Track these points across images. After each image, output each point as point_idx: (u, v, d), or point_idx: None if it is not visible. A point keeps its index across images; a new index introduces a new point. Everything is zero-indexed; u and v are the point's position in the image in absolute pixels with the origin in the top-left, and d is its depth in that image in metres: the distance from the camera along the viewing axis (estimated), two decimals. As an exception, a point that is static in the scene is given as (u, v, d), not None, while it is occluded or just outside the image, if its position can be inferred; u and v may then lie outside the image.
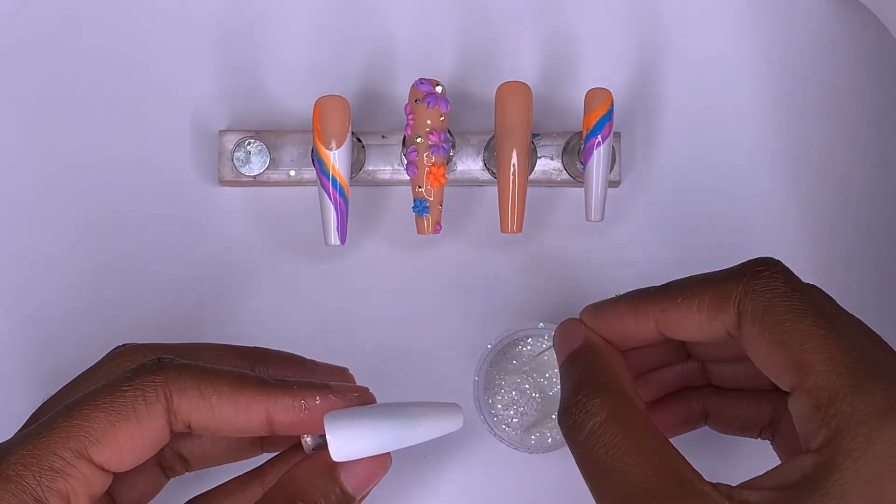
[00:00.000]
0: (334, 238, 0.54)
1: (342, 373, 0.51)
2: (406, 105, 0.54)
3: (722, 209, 0.59)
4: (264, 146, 0.57)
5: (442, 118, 0.53)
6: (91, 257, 0.58)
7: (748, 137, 0.59)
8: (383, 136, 0.57)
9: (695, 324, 0.46)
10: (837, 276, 0.58)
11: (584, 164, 0.54)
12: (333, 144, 0.53)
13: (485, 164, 0.57)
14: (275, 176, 0.57)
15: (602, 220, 0.54)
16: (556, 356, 0.48)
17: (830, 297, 0.45)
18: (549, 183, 0.58)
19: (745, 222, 0.59)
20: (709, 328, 0.46)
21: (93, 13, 0.59)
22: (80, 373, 0.50)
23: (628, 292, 0.48)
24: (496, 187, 0.54)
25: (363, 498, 0.46)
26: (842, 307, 0.45)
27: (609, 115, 0.53)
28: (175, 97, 0.59)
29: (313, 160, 0.55)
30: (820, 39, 0.60)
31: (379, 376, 0.52)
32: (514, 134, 0.53)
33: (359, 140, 0.57)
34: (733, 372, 0.51)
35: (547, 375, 0.54)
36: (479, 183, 0.58)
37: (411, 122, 0.54)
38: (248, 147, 0.57)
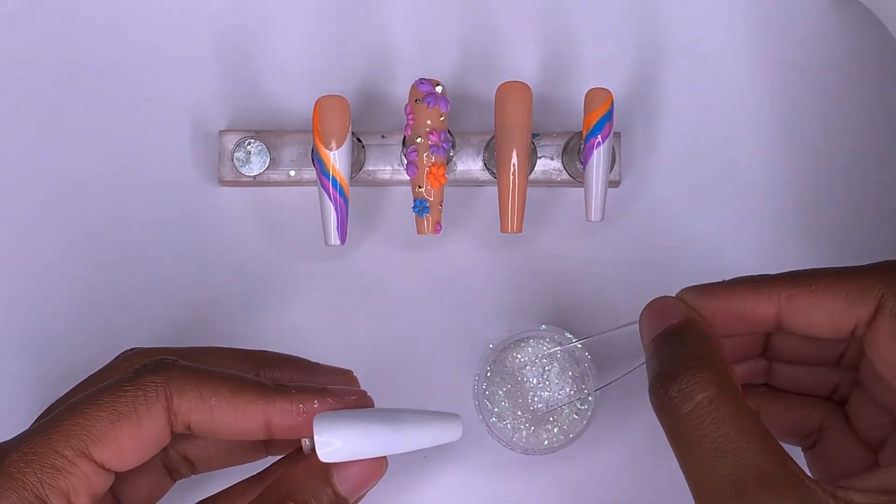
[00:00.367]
0: (334, 238, 0.54)
1: (346, 374, 0.51)
2: (406, 105, 0.54)
3: (722, 209, 0.59)
4: (264, 146, 0.57)
5: (442, 118, 0.53)
6: (91, 257, 0.58)
7: (748, 137, 0.59)
8: (383, 136, 0.57)
9: (824, 314, 0.46)
10: (837, 276, 0.58)
11: (584, 164, 0.54)
12: (333, 144, 0.53)
13: (485, 164, 0.57)
14: (275, 176, 0.57)
15: (602, 220, 0.54)
16: (642, 332, 0.47)
17: None
18: (549, 183, 0.58)
19: (745, 222, 0.59)
20: (838, 321, 0.45)
21: (93, 13, 0.59)
22: (87, 375, 0.50)
23: (740, 276, 0.48)
24: (496, 187, 0.54)
25: (357, 501, 0.46)
26: None
27: (609, 115, 0.53)
28: (175, 97, 0.59)
29: (313, 160, 0.55)
30: (820, 39, 0.60)
31: (378, 376, 0.52)
32: (514, 134, 0.53)
33: (359, 140, 0.57)
34: (798, 374, 0.51)
35: (547, 378, 0.54)
36: (479, 183, 0.58)
37: (411, 122, 0.54)
38: (248, 147, 0.57)
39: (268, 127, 0.58)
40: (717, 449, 0.42)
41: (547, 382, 0.54)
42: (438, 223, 0.54)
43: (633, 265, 0.58)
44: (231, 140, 0.57)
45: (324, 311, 0.58)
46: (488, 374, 0.54)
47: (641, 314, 0.48)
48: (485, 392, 0.54)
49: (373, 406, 0.47)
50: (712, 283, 0.48)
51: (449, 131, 0.55)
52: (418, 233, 0.54)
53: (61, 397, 0.49)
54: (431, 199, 0.54)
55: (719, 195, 0.59)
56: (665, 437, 0.54)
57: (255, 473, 0.49)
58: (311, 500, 0.44)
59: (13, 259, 0.58)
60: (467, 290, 0.58)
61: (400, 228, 0.58)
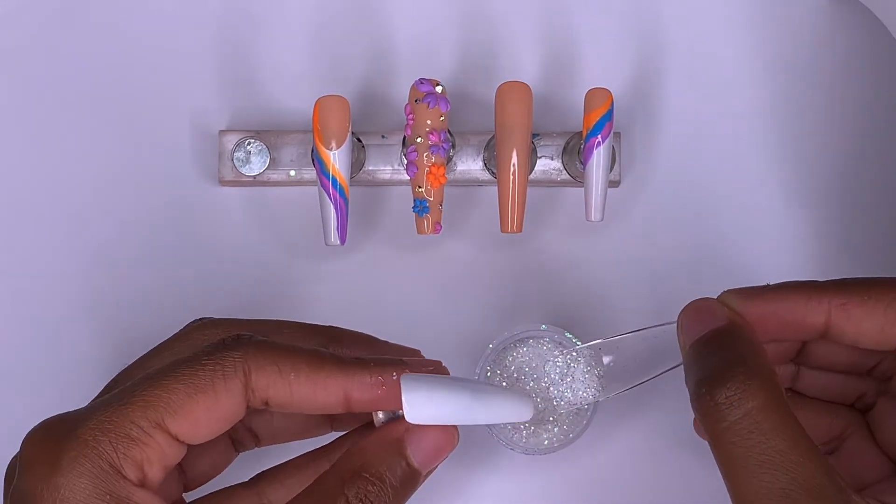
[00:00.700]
0: (334, 238, 0.54)
1: (414, 354, 0.50)
2: (406, 105, 0.54)
3: (722, 209, 0.59)
4: (264, 146, 0.57)
5: (442, 118, 0.53)
6: (91, 257, 0.58)
7: (748, 137, 0.59)
8: (383, 136, 0.57)
9: (875, 325, 0.45)
10: (838, 275, 0.58)
11: (584, 164, 0.54)
12: (333, 144, 0.53)
13: (485, 164, 0.57)
14: (275, 176, 0.57)
15: (602, 220, 0.54)
16: (680, 334, 0.46)
17: None
18: (549, 183, 0.58)
19: (745, 222, 0.59)
20: (889, 332, 0.45)
21: (93, 13, 0.59)
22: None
23: (785, 282, 0.47)
24: (496, 187, 0.54)
25: (428, 474, 0.45)
26: None
27: (609, 115, 0.53)
28: (175, 97, 0.59)
29: (313, 160, 0.55)
30: (820, 39, 0.60)
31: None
32: (514, 134, 0.53)
33: (359, 140, 0.57)
34: (825, 381, 0.51)
35: (547, 377, 0.54)
36: (479, 183, 0.58)
37: (411, 122, 0.54)
38: (248, 147, 0.57)
39: (268, 127, 0.58)
40: (766, 461, 0.41)
41: (571, 380, 0.53)
42: (438, 223, 0.54)
43: (633, 265, 0.58)
44: (231, 140, 0.57)
45: (324, 311, 0.58)
46: (488, 374, 0.54)
47: (680, 315, 0.47)
48: None
49: (449, 374, 0.47)
50: (756, 287, 0.47)
51: (449, 131, 0.55)
52: (418, 233, 0.54)
53: (128, 367, 0.48)
54: (431, 199, 0.54)
55: (719, 195, 0.59)
56: (662, 439, 0.54)
57: (320, 447, 0.49)
58: (385, 473, 0.44)
59: (12, 259, 0.58)
60: (467, 290, 0.58)
61: (400, 228, 0.58)
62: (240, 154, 0.57)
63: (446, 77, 0.59)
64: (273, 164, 0.57)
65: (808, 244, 0.59)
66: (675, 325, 0.47)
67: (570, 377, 0.53)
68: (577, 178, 0.57)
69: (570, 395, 0.53)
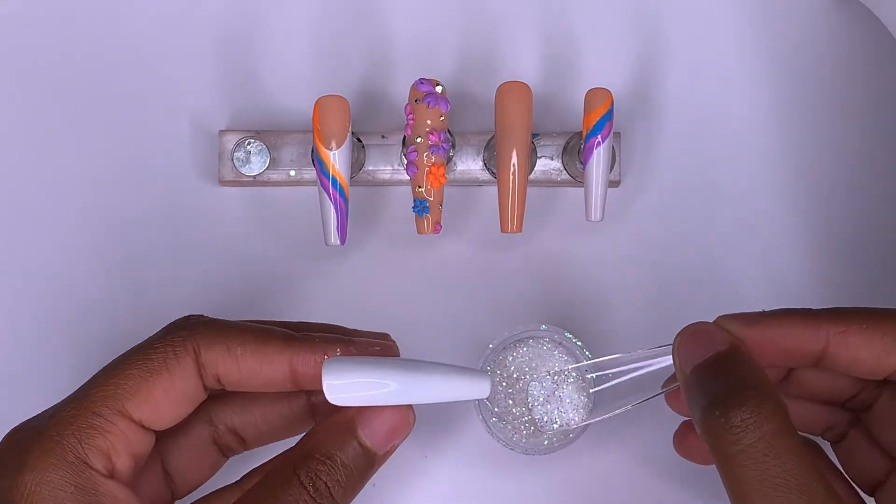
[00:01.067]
0: (334, 238, 0.54)
1: (383, 338, 0.50)
2: (406, 105, 0.54)
3: (722, 209, 0.59)
4: (264, 146, 0.57)
5: (442, 118, 0.53)
6: (90, 257, 0.58)
7: (748, 137, 0.59)
8: (383, 136, 0.57)
9: (872, 353, 0.46)
10: (838, 276, 0.58)
11: (584, 164, 0.54)
12: (333, 144, 0.53)
13: (485, 164, 0.57)
14: (275, 176, 0.57)
15: (602, 220, 0.54)
16: (678, 358, 0.46)
17: None
18: (549, 183, 0.58)
19: (746, 222, 0.59)
20: (884, 362, 0.46)
21: (93, 13, 0.59)
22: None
23: (783, 308, 0.48)
24: (496, 187, 0.54)
25: (387, 456, 0.46)
26: None
27: (609, 115, 0.53)
28: (175, 97, 0.59)
29: (313, 160, 0.55)
30: (820, 39, 0.60)
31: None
32: (514, 134, 0.53)
33: (359, 140, 0.57)
34: (802, 410, 0.51)
35: (547, 378, 0.54)
36: (479, 183, 0.58)
37: (411, 122, 0.54)
38: (248, 147, 0.57)
39: (268, 127, 0.58)
40: (782, 484, 0.41)
41: (559, 402, 0.53)
42: (438, 223, 0.54)
43: (633, 265, 0.58)
44: (231, 140, 0.57)
45: (324, 311, 0.58)
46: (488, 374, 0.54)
47: (678, 339, 0.47)
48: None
49: (398, 355, 0.47)
50: (753, 313, 0.47)
51: (449, 131, 0.55)
52: (418, 233, 0.54)
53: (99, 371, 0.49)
54: (431, 199, 0.54)
55: (719, 195, 0.59)
56: (662, 440, 0.54)
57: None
58: (335, 454, 0.44)
59: (13, 259, 0.58)
60: (467, 290, 0.58)
61: (400, 228, 0.58)
62: (240, 154, 0.57)
63: (446, 77, 0.59)
64: (273, 164, 0.57)
65: (808, 244, 0.59)
66: (669, 348, 0.47)
67: (557, 398, 0.53)
68: (577, 178, 0.57)
69: (556, 416, 0.53)
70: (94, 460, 0.43)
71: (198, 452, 0.49)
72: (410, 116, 0.54)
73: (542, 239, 0.58)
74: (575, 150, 0.56)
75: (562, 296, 0.58)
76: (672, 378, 0.50)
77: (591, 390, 0.53)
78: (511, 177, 0.53)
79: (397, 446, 0.46)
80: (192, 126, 0.59)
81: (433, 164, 0.53)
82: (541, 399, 0.53)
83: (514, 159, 0.53)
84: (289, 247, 0.58)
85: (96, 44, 0.59)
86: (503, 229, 0.54)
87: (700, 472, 0.56)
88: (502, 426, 0.54)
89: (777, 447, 0.42)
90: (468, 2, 0.60)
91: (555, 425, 0.53)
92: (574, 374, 0.53)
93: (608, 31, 0.59)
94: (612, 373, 0.52)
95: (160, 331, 0.46)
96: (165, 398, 0.45)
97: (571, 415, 0.53)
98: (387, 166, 0.57)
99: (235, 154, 0.57)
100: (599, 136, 0.53)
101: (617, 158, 0.57)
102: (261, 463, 0.49)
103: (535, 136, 0.57)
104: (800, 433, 0.44)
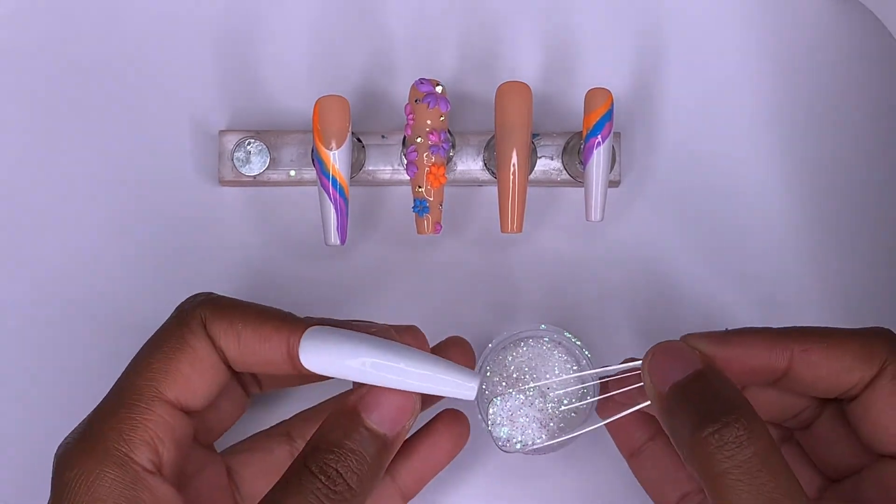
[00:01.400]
0: (334, 238, 0.54)
1: (408, 330, 0.49)
2: (406, 105, 0.54)
3: (722, 209, 0.59)
4: (264, 146, 0.57)
5: (442, 118, 0.53)
6: (90, 257, 0.58)
7: (748, 137, 0.59)
8: (383, 136, 0.57)
9: (832, 370, 0.47)
10: (838, 276, 0.58)
11: (584, 164, 0.54)
12: (333, 144, 0.53)
13: (485, 164, 0.57)
14: (275, 176, 0.57)
15: (602, 220, 0.54)
16: (652, 376, 0.47)
17: None
18: (549, 183, 0.58)
19: (745, 222, 0.59)
20: (843, 379, 0.47)
21: (93, 14, 0.59)
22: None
23: (747, 328, 0.48)
24: (496, 187, 0.54)
25: (399, 438, 0.46)
26: None
27: (609, 115, 0.53)
28: (175, 97, 0.59)
29: (313, 160, 0.55)
30: (820, 39, 0.60)
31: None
32: (514, 134, 0.53)
33: (359, 140, 0.57)
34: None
35: (546, 377, 0.54)
36: (479, 183, 0.58)
37: (411, 122, 0.54)
38: (248, 147, 0.57)
39: (268, 127, 0.58)
40: (777, 498, 0.42)
41: (525, 420, 0.53)
42: (438, 223, 0.54)
43: (633, 265, 0.58)
44: (231, 140, 0.57)
45: (323, 311, 0.58)
46: (488, 374, 0.54)
47: (649, 358, 0.47)
48: (484, 392, 0.54)
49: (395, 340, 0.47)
50: (718, 332, 0.48)
51: (449, 131, 0.55)
52: (418, 233, 0.54)
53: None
54: (431, 199, 0.54)
55: (719, 195, 0.59)
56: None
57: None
58: (342, 440, 0.44)
59: (12, 259, 0.58)
60: (467, 290, 0.58)
61: (400, 228, 0.58)
62: (240, 154, 0.57)
63: (446, 77, 0.59)
64: (273, 164, 0.57)
65: (808, 243, 0.59)
66: (630, 366, 0.48)
67: (522, 415, 0.53)
68: (577, 178, 0.57)
69: (519, 435, 0.53)
70: (138, 455, 0.43)
71: (224, 394, 0.49)
72: (410, 116, 0.54)
73: (542, 239, 0.58)
74: (575, 150, 0.56)
75: (562, 296, 0.58)
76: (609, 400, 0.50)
77: (559, 409, 0.53)
78: (511, 177, 0.53)
79: (408, 429, 0.46)
80: (192, 126, 0.59)
81: (433, 164, 0.53)
82: (505, 417, 0.53)
83: (514, 159, 0.53)
84: (289, 247, 0.58)
85: (96, 44, 0.59)
86: (503, 229, 0.54)
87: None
88: (500, 426, 0.54)
89: (771, 462, 0.42)
90: (468, 2, 0.60)
91: (517, 445, 0.53)
92: (538, 393, 0.53)
93: (608, 31, 0.59)
94: (579, 390, 0.53)
95: (172, 314, 0.47)
96: (194, 372, 0.45)
97: (536, 434, 0.53)
98: (387, 166, 0.57)
99: (235, 154, 0.57)
100: (599, 136, 0.53)
101: (617, 158, 0.57)
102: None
103: (535, 136, 0.57)
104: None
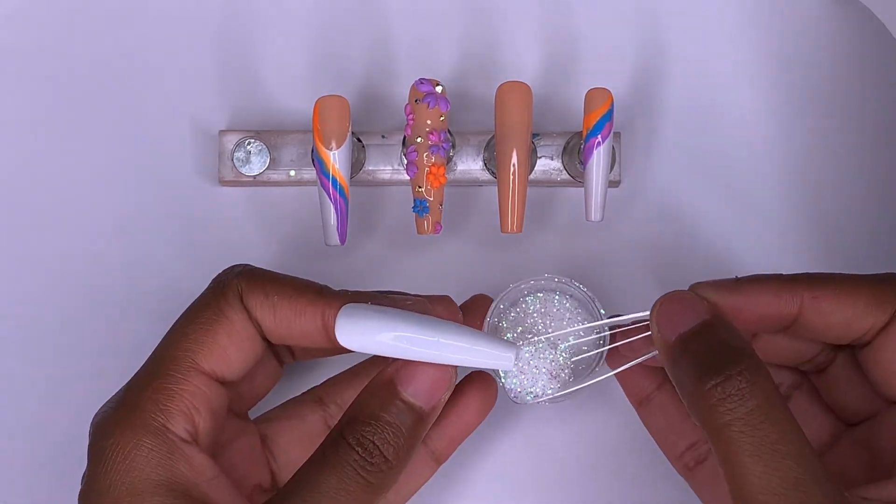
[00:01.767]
0: (334, 238, 0.54)
1: (440, 301, 0.49)
2: (406, 105, 0.54)
3: (722, 209, 0.59)
4: (264, 146, 0.57)
5: (442, 118, 0.53)
6: (91, 257, 0.58)
7: (748, 137, 0.59)
8: (383, 136, 0.57)
9: (843, 317, 0.47)
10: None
11: (584, 164, 0.54)
12: (333, 144, 0.53)
13: (485, 164, 0.57)
14: (275, 176, 0.57)
15: (602, 220, 0.54)
16: (660, 327, 0.46)
17: None
18: (549, 183, 0.58)
19: (745, 222, 0.59)
20: (854, 326, 0.47)
21: (93, 13, 0.59)
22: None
23: (756, 275, 0.48)
24: (496, 187, 0.54)
25: (435, 411, 0.46)
26: None
27: (609, 115, 0.53)
28: (175, 97, 0.59)
29: (313, 160, 0.55)
30: (820, 39, 0.60)
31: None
32: (514, 134, 0.53)
33: (359, 140, 0.57)
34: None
35: (553, 327, 0.53)
36: (479, 183, 0.58)
37: (411, 122, 0.54)
38: (248, 147, 0.57)
39: (268, 127, 0.58)
40: (780, 450, 0.42)
41: (535, 371, 0.53)
42: (438, 223, 0.54)
43: (633, 265, 0.58)
44: (231, 140, 0.57)
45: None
46: (496, 327, 0.53)
47: (657, 308, 0.47)
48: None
49: (432, 314, 0.47)
50: (728, 280, 0.48)
51: (449, 131, 0.55)
52: (418, 233, 0.54)
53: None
54: (431, 199, 0.54)
55: (719, 195, 0.59)
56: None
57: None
58: (378, 412, 0.44)
59: (13, 259, 0.58)
60: (467, 290, 0.58)
61: (400, 228, 0.58)
62: (240, 154, 0.57)
63: (446, 77, 0.59)
64: (273, 164, 0.57)
65: (808, 243, 0.59)
66: (644, 314, 0.48)
67: (532, 367, 0.52)
68: (577, 178, 0.57)
69: (530, 386, 0.52)
70: (174, 425, 0.44)
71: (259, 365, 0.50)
72: (410, 116, 0.54)
73: (542, 239, 0.58)
74: (575, 150, 0.56)
75: (562, 296, 0.58)
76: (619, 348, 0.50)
77: (571, 360, 0.52)
78: (511, 177, 0.53)
79: (444, 401, 0.46)
80: (192, 126, 0.59)
81: (433, 164, 0.53)
82: (514, 368, 0.52)
83: (514, 159, 0.53)
84: (289, 247, 0.58)
85: (96, 44, 0.59)
86: (503, 229, 0.54)
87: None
88: (512, 378, 0.53)
89: (774, 414, 0.42)
90: (468, 1, 0.60)
91: (528, 396, 0.52)
92: (548, 344, 0.52)
93: (608, 31, 0.59)
94: (588, 341, 0.52)
95: (209, 285, 0.47)
96: (230, 343, 0.46)
97: (547, 385, 0.52)
98: (387, 166, 0.57)
99: (235, 154, 0.57)
100: (599, 136, 0.53)
101: (617, 158, 0.57)
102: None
103: (535, 136, 0.57)
104: None
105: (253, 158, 0.57)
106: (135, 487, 0.43)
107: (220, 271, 0.48)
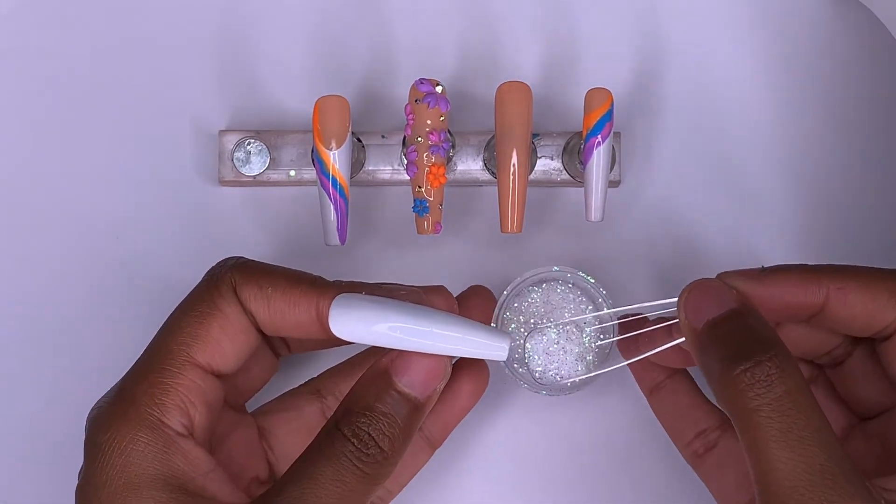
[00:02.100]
0: (334, 238, 0.54)
1: (435, 291, 0.49)
2: (406, 105, 0.54)
3: (722, 209, 0.59)
4: (264, 146, 0.57)
5: (442, 118, 0.53)
6: (91, 257, 0.58)
7: (748, 137, 0.59)
8: (383, 136, 0.57)
9: (866, 310, 0.47)
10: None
11: (584, 164, 0.54)
12: (333, 144, 0.53)
13: (485, 164, 0.57)
14: (275, 176, 0.57)
15: (602, 220, 0.54)
16: (688, 313, 0.47)
17: None
18: (549, 183, 0.58)
19: (745, 222, 0.59)
20: (878, 318, 0.47)
21: (92, 13, 0.59)
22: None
23: (783, 265, 0.48)
24: (496, 187, 0.54)
25: (430, 402, 0.46)
26: None
27: (609, 115, 0.53)
28: (175, 97, 0.59)
29: (313, 160, 0.55)
30: (820, 39, 0.60)
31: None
32: (514, 134, 0.53)
33: (359, 140, 0.57)
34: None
35: (549, 329, 0.54)
36: (479, 183, 0.58)
37: (411, 122, 0.54)
38: (248, 147, 0.57)
39: (268, 127, 0.58)
40: (806, 437, 0.42)
41: (563, 354, 0.53)
42: (438, 223, 0.54)
43: (633, 265, 0.58)
44: (231, 140, 0.57)
45: (324, 311, 0.58)
46: (505, 319, 0.54)
47: (686, 295, 0.47)
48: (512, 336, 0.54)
49: (426, 305, 0.47)
50: (754, 270, 0.48)
51: (449, 131, 0.55)
52: (418, 233, 0.54)
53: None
54: (431, 199, 0.54)
55: (719, 195, 0.59)
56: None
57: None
58: (373, 403, 0.44)
59: (13, 259, 0.58)
60: (467, 290, 0.58)
61: (400, 228, 0.58)
62: (240, 154, 0.57)
63: (446, 77, 0.59)
64: (273, 164, 0.57)
65: (808, 243, 0.59)
66: (672, 301, 0.48)
67: (560, 350, 0.53)
68: (577, 178, 0.57)
69: (557, 369, 0.52)
70: (170, 419, 0.44)
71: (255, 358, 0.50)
72: (410, 116, 0.54)
73: (542, 239, 0.58)
74: (575, 150, 0.56)
75: (562, 296, 0.58)
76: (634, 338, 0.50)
77: (595, 343, 0.53)
78: (511, 177, 0.53)
79: (439, 391, 0.46)
80: (192, 126, 0.59)
81: (433, 164, 0.53)
82: (540, 351, 0.53)
83: (514, 159, 0.53)
84: (289, 247, 0.58)
85: (96, 44, 0.59)
86: (503, 229, 0.54)
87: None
88: (522, 370, 0.54)
89: (802, 402, 0.42)
90: (468, 2, 0.60)
91: (557, 378, 0.52)
92: (574, 327, 0.53)
93: (608, 31, 0.59)
94: (614, 325, 0.53)
95: (203, 278, 0.47)
96: (224, 336, 0.46)
97: (572, 368, 0.52)
98: (387, 166, 0.57)
99: (235, 154, 0.57)
100: (599, 136, 0.53)
101: (617, 158, 0.57)
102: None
103: (535, 136, 0.57)
104: None
105: (253, 158, 0.57)
106: (131, 482, 0.43)
107: (214, 264, 0.48)
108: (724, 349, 0.44)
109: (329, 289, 0.46)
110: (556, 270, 0.54)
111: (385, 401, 0.44)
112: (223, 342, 0.46)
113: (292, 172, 0.57)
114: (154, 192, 0.58)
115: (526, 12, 0.59)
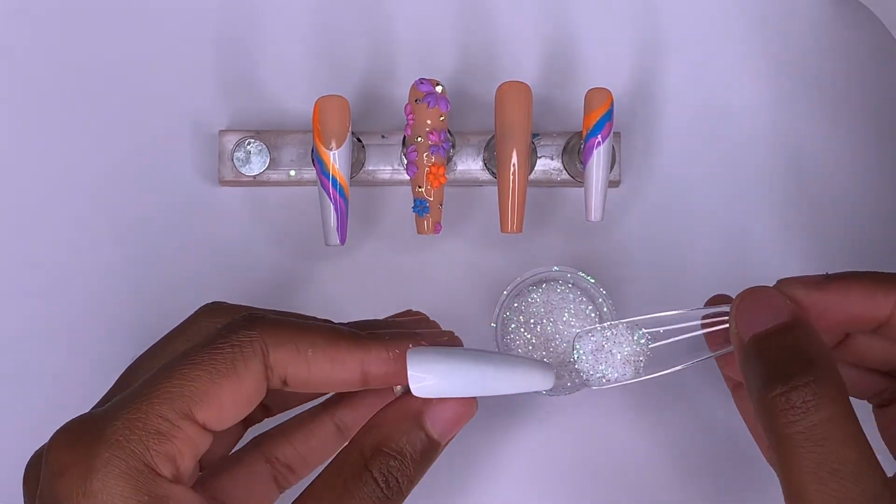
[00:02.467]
0: (334, 238, 0.54)
1: (424, 320, 0.49)
2: (406, 105, 0.54)
3: (722, 209, 0.59)
4: (264, 146, 0.57)
5: (442, 118, 0.53)
6: (91, 257, 0.58)
7: (748, 137, 0.59)
8: (383, 136, 0.57)
9: None
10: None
11: (584, 164, 0.54)
12: (333, 144, 0.53)
13: (485, 164, 0.57)
14: (275, 176, 0.57)
15: (602, 220, 0.54)
16: (737, 322, 0.45)
17: None
18: (549, 183, 0.58)
19: (746, 222, 0.59)
20: None
21: (92, 13, 0.59)
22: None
23: (848, 272, 0.46)
24: (496, 187, 0.54)
25: (447, 443, 0.45)
26: None
27: (609, 115, 0.53)
28: (175, 97, 0.59)
29: (313, 160, 0.55)
30: (820, 39, 0.60)
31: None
32: (514, 134, 0.53)
33: (359, 140, 0.57)
34: (850, 376, 0.50)
35: (564, 319, 0.53)
36: (479, 183, 0.58)
37: (411, 121, 0.54)
38: (248, 147, 0.57)
39: (268, 127, 0.58)
40: (840, 470, 0.40)
41: (563, 324, 0.52)
42: (438, 223, 0.54)
43: (633, 265, 0.58)
44: (231, 140, 0.57)
45: (323, 312, 0.58)
46: (505, 319, 0.54)
47: (737, 303, 0.45)
48: (503, 337, 0.54)
49: (462, 345, 0.47)
50: (817, 276, 0.46)
51: (449, 131, 0.55)
52: (418, 233, 0.54)
53: (139, 358, 0.47)
54: (431, 199, 0.54)
55: (719, 195, 0.59)
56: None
57: (319, 402, 0.49)
58: (405, 447, 0.43)
59: (13, 259, 0.58)
60: (467, 290, 0.58)
61: (400, 228, 0.58)
62: (240, 154, 0.57)
63: (446, 77, 0.59)
64: (273, 164, 0.57)
65: (807, 244, 0.59)
66: (726, 308, 0.46)
67: (607, 352, 0.52)
68: (577, 178, 0.57)
69: (605, 371, 0.52)
70: (161, 466, 0.41)
71: (258, 487, 0.48)
72: (410, 116, 0.54)
73: (542, 239, 0.58)
74: (575, 150, 0.56)
75: (562, 296, 0.58)
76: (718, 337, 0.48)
77: (647, 346, 0.52)
78: (511, 177, 0.53)
79: (457, 433, 0.45)
80: (192, 126, 0.59)
81: (433, 164, 0.53)
82: (589, 352, 0.52)
83: (514, 159, 0.53)
84: (289, 247, 0.58)
85: (96, 44, 0.59)
86: (503, 229, 0.54)
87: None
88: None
89: (837, 433, 0.40)
90: (468, 2, 0.60)
91: (604, 379, 0.51)
92: (625, 328, 0.52)
93: (608, 31, 0.59)
94: (664, 330, 0.50)
95: (223, 328, 0.44)
96: (231, 400, 0.43)
97: (621, 370, 0.51)
98: (387, 166, 0.57)
99: (235, 154, 0.57)
100: (599, 136, 0.53)
101: (617, 158, 0.57)
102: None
103: (535, 136, 0.57)
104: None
105: (253, 158, 0.57)
106: None
107: (237, 317, 0.44)
108: (765, 367, 0.42)
109: (371, 344, 0.44)
110: (556, 270, 0.54)
111: (415, 444, 0.44)
112: (227, 405, 0.43)
113: (292, 172, 0.57)
114: (154, 192, 0.58)
115: (526, 12, 0.60)
